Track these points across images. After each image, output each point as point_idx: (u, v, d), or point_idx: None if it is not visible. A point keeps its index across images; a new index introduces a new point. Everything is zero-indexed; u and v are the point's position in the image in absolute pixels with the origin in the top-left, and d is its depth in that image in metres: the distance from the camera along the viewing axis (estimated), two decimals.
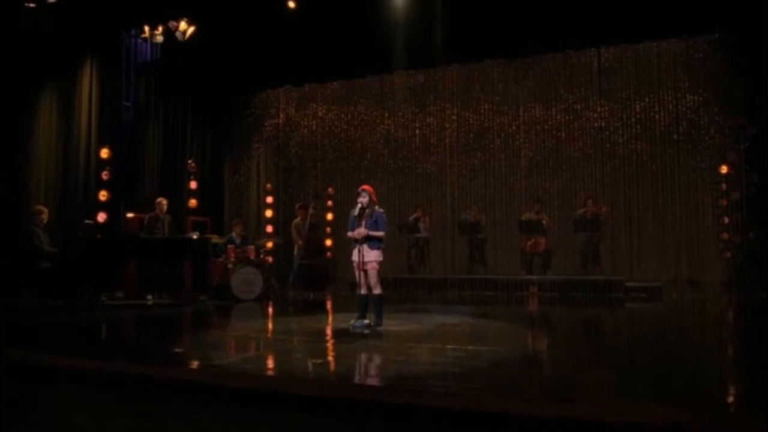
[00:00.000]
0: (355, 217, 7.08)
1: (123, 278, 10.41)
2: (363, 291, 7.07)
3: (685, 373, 4.58)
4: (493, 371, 4.68)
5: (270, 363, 5.15)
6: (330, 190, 14.48)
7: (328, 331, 7.03)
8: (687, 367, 4.84)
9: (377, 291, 7.06)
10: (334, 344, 5.95)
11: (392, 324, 7.11)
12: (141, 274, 10.46)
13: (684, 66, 12.55)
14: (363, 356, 5.35)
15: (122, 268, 10.37)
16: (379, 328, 6.81)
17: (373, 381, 4.53)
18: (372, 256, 7.01)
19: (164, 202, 10.81)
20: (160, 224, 10.65)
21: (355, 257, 7.03)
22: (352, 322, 6.99)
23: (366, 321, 6.95)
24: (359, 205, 7.07)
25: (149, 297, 9.98)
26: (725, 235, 11.62)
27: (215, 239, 11.25)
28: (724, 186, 11.68)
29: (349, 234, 7.15)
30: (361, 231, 6.93)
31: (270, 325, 7.75)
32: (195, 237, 10.55)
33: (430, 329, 7.02)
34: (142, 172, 13.18)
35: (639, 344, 6.65)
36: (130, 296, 10.24)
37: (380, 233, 7.03)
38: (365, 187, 7.23)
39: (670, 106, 12.64)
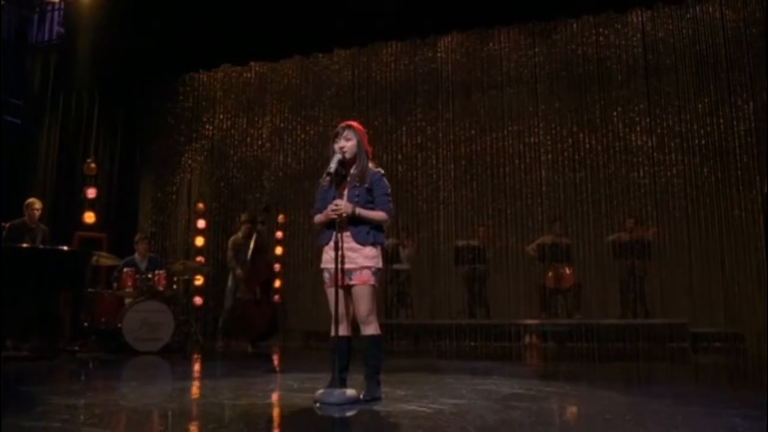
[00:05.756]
0: (329, 178, 3.58)
1: None
2: (342, 330, 3.56)
3: None
4: None
5: None
6: (280, 217, 10.91)
7: (257, 421, 3.27)
8: None
9: (370, 330, 3.61)
10: None
11: (401, 396, 3.66)
12: None
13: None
14: None
15: None
16: (377, 406, 3.37)
17: None
18: (364, 257, 3.58)
19: (37, 205, 7.84)
20: (29, 236, 7.62)
21: (327, 262, 3.63)
22: (319, 392, 3.52)
23: (350, 391, 3.47)
24: (338, 156, 3.58)
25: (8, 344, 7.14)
26: None
27: (103, 258, 7.75)
28: None
29: (317, 219, 3.65)
30: (343, 205, 3.44)
31: (143, 402, 3.75)
32: (66, 249, 7.13)
33: (490, 408, 3.35)
34: (32, 177, 10.74)
35: None
36: None
37: (380, 214, 3.62)
38: (351, 123, 3.74)
39: (744, 94, 9.43)
